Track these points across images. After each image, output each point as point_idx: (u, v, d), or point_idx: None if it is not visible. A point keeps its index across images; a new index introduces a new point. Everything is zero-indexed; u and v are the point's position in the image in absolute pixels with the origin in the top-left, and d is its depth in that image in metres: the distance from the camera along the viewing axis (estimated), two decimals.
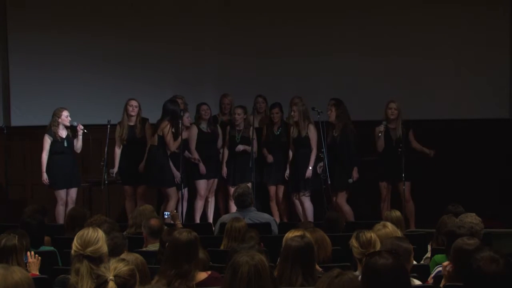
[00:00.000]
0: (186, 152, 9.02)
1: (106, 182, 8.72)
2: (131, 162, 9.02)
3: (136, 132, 9.01)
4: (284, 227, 6.84)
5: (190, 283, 4.28)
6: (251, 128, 8.96)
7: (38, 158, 8.93)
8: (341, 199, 8.93)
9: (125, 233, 6.03)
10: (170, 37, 10.39)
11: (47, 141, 8.83)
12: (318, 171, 8.82)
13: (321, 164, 8.76)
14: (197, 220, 9.10)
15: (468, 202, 6.73)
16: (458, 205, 6.44)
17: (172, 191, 8.81)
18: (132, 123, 9.01)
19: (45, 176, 8.83)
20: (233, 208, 8.14)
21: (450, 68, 10.35)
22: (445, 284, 4.27)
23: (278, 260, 4.44)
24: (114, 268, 3.45)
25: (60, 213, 8.76)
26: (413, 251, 4.52)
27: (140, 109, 9.04)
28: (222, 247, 5.90)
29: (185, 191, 8.99)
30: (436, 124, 10.11)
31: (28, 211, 6.83)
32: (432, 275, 4.64)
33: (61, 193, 8.85)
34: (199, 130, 9.13)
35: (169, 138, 8.72)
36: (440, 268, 4.45)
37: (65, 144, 8.86)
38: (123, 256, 4.10)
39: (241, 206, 7.08)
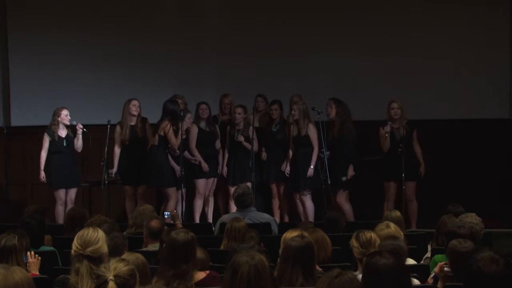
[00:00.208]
0: (186, 153, 9.02)
1: (106, 182, 8.73)
2: (131, 162, 9.02)
3: (137, 132, 9.00)
4: (284, 227, 6.83)
5: (188, 283, 4.28)
6: (251, 127, 8.96)
7: (38, 158, 8.91)
8: (340, 197, 8.93)
9: (125, 233, 6.03)
10: (170, 37, 10.39)
11: (46, 139, 8.83)
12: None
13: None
14: (197, 220, 9.10)
15: (468, 202, 6.73)
16: (458, 205, 6.44)
17: (172, 191, 8.81)
18: (133, 123, 9.01)
19: (42, 174, 8.82)
20: (233, 208, 8.14)
21: (450, 68, 10.35)
22: (445, 284, 4.27)
23: (278, 260, 4.44)
24: (114, 268, 3.46)
25: (60, 213, 8.75)
26: (412, 251, 4.52)
27: (140, 108, 9.06)
28: (222, 247, 5.90)
29: (184, 191, 8.99)
30: (436, 124, 10.11)
31: (28, 211, 6.81)
32: (432, 275, 4.64)
33: (60, 193, 8.83)
34: (199, 128, 9.13)
35: (170, 136, 8.72)
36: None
37: (64, 144, 8.84)
38: (124, 256, 4.09)
39: (241, 206, 7.09)
